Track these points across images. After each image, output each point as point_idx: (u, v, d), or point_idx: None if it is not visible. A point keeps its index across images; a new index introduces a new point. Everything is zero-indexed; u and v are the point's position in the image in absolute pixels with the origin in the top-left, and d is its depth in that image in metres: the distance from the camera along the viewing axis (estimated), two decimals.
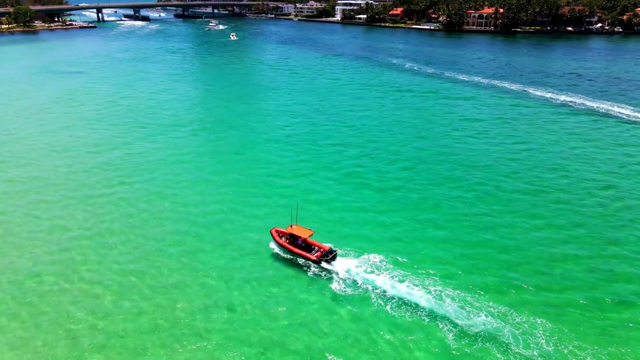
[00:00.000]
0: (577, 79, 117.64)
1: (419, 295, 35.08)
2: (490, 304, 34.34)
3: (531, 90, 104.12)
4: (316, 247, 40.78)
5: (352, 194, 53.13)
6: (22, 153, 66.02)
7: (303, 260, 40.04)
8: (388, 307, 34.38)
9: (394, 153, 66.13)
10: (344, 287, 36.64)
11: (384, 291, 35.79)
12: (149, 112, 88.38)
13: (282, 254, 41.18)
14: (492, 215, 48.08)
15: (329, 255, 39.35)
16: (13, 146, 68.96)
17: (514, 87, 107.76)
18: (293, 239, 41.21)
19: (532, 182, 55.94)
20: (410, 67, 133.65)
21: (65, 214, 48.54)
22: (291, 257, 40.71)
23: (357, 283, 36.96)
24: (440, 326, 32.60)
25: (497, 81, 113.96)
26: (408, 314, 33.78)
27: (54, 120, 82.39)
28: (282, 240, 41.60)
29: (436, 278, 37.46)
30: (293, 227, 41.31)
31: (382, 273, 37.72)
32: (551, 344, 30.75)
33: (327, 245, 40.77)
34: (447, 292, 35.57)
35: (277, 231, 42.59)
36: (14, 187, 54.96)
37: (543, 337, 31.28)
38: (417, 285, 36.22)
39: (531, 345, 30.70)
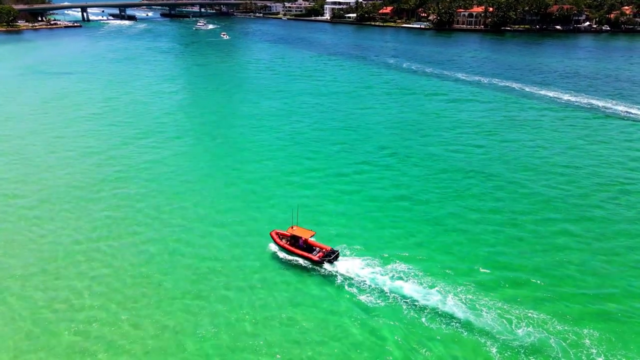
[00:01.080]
0: (577, 78, 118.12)
1: (426, 295, 34.92)
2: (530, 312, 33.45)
3: (534, 89, 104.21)
4: (317, 248, 40.44)
5: (354, 195, 52.79)
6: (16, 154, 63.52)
7: (304, 262, 39.71)
8: (399, 306, 34.05)
9: (398, 153, 65.55)
10: (347, 287, 36.41)
11: (389, 290, 35.57)
12: (146, 113, 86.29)
13: (282, 255, 40.82)
14: (501, 213, 47.79)
15: (331, 256, 39.13)
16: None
17: (515, 85, 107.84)
18: (294, 240, 40.82)
19: (554, 185, 55.43)
20: (408, 67, 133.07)
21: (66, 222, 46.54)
22: (292, 258, 40.14)
23: (361, 282, 36.73)
24: (443, 323, 32.53)
25: (497, 80, 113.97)
26: (413, 312, 33.62)
27: (48, 123, 79.63)
28: (283, 242, 41.21)
29: (443, 277, 37.27)
30: (294, 228, 40.99)
31: (386, 272, 37.49)
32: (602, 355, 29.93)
33: (329, 246, 40.51)
34: (451, 289, 35.54)
35: (277, 233, 42.16)
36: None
37: (592, 347, 30.43)
38: (422, 285, 35.96)
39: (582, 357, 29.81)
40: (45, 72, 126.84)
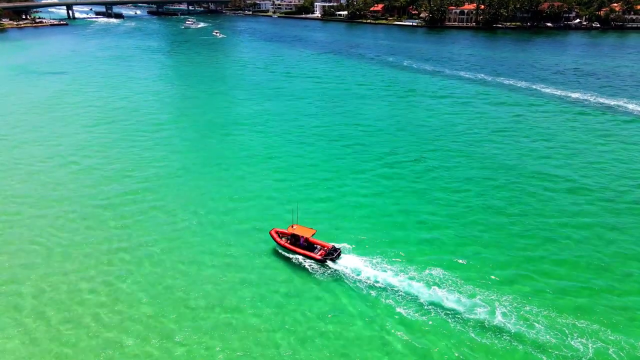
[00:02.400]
0: (578, 75, 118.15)
1: (430, 293, 35.01)
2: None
3: (539, 87, 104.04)
4: (319, 246, 40.03)
5: (355, 191, 52.70)
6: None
7: (306, 260, 39.15)
8: (400, 304, 34.10)
9: (406, 151, 65.16)
10: (351, 285, 36.17)
11: (394, 287, 35.54)
12: (146, 114, 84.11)
13: (283, 255, 40.22)
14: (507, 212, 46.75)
15: (334, 254, 38.81)
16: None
17: (520, 84, 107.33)
18: (295, 239, 40.36)
19: (569, 181, 54.76)
20: (409, 65, 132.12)
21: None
22: (293, 257, 39.72)
23: (364, 280, 36.52)
24: (446, 319, 32.70)
25: (502, 78, 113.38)
26: (416, 310, 33.78)
27: (43, 125, 76.86)
28: (283, 241, 40.69)
29: (448, 276, 37.10)
30: (294, 227, 40.56)
31: (390, 269, 37.40)
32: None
33: (330, 244, 40.08)
34: (454, 287, 35.61)
35: (277, 232, 41.59)
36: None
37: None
38: (426, 283, 35.94)
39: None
40: (36, 72, 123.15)
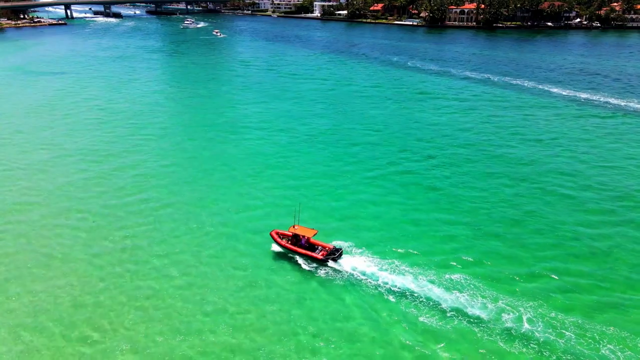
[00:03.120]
0: (585, 75, 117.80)
1: (437, 293, 34.81)
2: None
3: (547, 87, 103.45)
4: (320, 247, 39.86)
5: (358, 193, 52.07)
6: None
7: (307, 261, 38.83)
8: (404, 304, 34.01)
9: (417, 152, 64.28)
10: (354, 285, 35.96)
11: (395, 287, 35.39)
12: (150, 116, 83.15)
13: (284, 256, 39.83)
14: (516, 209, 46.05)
15: (335, 254, 38.61)
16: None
17: (527, 84, 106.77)
18: (296, 239, 40.11)
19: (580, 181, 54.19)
20: (413, 65, 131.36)
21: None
22: (294, 258, 39.44)
23: (366, 280, 36.31)
24: (447, 317, 32.75)
25: (508, 78, 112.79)
26: (420, 309, 33.68)
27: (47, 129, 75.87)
28: (284, 242, 40.46)
29: (449, 274, 37.11)
30: (295, 227, 40.24)
31: (392, 269, 37.19)
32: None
33: (331, 244, 39.92)
34: (456, 285, 35.63)
35: (277, 233, 41.32)
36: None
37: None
38: (432, 282, 35.77)
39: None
40: (36, 73, 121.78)
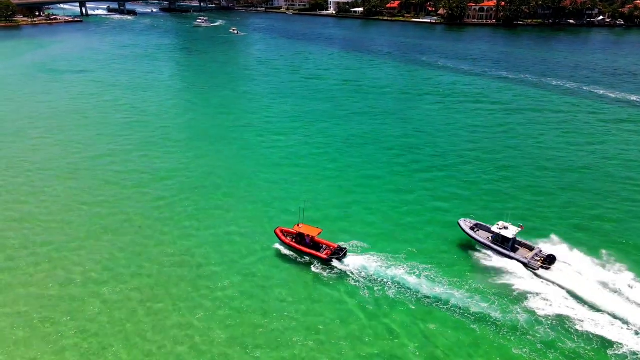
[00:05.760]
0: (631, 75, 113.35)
1: (440, 291, 35.00)
2: None
3: (592, 88, 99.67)
4: (324, 246, 39.71)
5: (364, 194, 51.70)
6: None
7: (312, 259, 38.68)
8: (410, 302, 33.97)
9: (452, 154, 62.69)
10: (358, 285, 35.72)
11: (399, 285, 35.21)
12: (175, 116, 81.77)
13: (288, 254, 39.66)
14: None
15: (340, 253, 38.57)
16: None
17: (570, 85, 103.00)
18: (300, 238, 40.03)
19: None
20: (444, 65, 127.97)
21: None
22: (298, 256, 39.32)
23: (371, 279, 36.15)
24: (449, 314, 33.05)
25: (549, 79, 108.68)
26: (423, 307, 33.84)
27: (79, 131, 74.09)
28: (289, 240, 40.29)
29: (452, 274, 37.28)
30: (300, 225, 40.16)
31: (394, 268, 37.01)
32: None
33: (336, 243, 39.78)
34: (439, 276, 36.36)
35: (282, 231, 41.22)
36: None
37: None
38: (435, 282, 35.80)
39: None
40: (58, 71, 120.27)
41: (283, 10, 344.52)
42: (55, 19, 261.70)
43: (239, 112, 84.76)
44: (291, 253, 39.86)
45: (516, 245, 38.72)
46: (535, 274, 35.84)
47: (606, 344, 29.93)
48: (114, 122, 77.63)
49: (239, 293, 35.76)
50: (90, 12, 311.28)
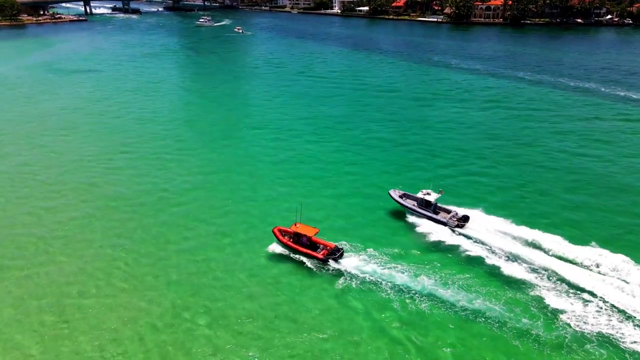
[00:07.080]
0: None
1: (443, 292, 35.16)
2: None
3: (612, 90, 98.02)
4: (322, 245, 39.71)
5: (363, 194, 51.55)
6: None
7: (309, 259, 38.61)
8: (405, 301, 34.10)
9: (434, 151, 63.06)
10: (354, 285, 35.79)
11: (396, 285, 35.35)
12: (185, 118, 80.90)
13: (285, 252, 39.73)
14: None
15: (336, 254, 38.57)
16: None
17: (589, 85, 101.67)
18: (298, 237, 39.98)
19: None
20: (457, 65, 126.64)
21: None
22: (295, 256, 39.28)
23: (367, 280, 36.15)
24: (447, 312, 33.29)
25: (565, 79, 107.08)
26: (422, 306, 33.95)
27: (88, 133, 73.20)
28: (286, 239, 40.35)
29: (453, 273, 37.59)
30: (297, 225, 40.07)
31: (392, 267, 37.33)
32: None
33: (333, 243, 39.82)
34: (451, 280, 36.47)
35: (280, 230, 41.07)
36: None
37: None
38: (437, 282, 36.01)
39: None
40: (65, 71, 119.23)
41: (287, 9, 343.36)
42: (60, 17, 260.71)
43: (251, 112, 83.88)
44: (289, 252, 39.78)
45: (437, 210, 45.03)
46: (452, 231, 42.85)
47: (496, 270, 37.33)
48: (121, 125, 76.67)
49: (235, 292, 35.72)
50: (94, 10, 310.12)
